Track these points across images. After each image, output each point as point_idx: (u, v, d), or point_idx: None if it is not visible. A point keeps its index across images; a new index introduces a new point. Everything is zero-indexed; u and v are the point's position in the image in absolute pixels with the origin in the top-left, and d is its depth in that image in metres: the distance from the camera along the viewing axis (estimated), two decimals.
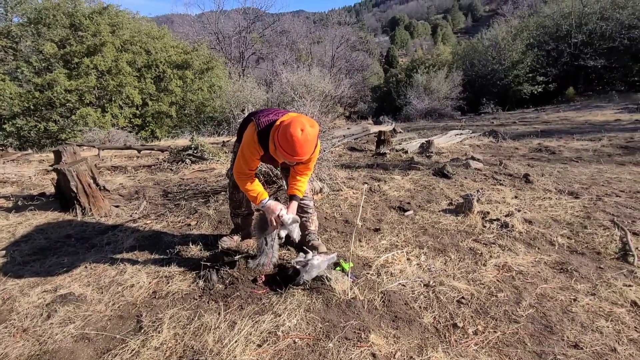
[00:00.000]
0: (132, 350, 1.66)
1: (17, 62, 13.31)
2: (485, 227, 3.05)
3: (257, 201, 2.10)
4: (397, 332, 1.81)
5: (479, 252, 2.63)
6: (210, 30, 24.51)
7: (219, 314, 1.88)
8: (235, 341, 1.69)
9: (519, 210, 3.31)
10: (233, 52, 24.75)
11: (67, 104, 13.02)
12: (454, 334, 1.81)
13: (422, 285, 2.21)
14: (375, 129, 7.61)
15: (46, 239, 2.83)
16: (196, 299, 2.04)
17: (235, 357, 1.60)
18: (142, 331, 1.78)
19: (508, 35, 22.59)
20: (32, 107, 12.90)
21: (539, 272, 2.37)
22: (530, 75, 21.18)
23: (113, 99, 13.97)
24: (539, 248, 2.69)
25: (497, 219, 3.13)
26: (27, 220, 3.14)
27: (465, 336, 1.80)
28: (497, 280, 2.27)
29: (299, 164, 2.19)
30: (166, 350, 1.66)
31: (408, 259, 2.52)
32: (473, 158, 5.12)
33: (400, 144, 6.51)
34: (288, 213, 2.11)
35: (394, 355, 1.65)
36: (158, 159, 5.71)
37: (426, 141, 5.96)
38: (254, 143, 2.01)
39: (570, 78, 21.12)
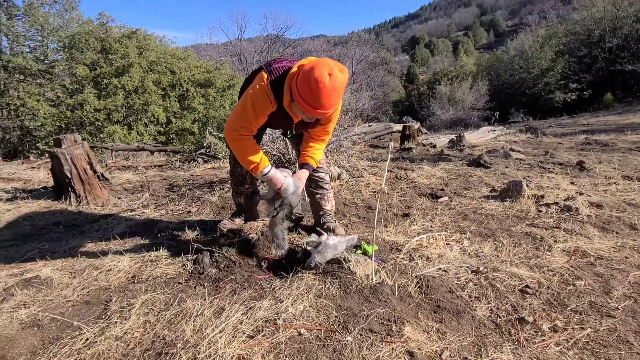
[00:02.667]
0: (86, 339, 1.26)
1: (52, 85, 14.05)
2: (540, 211, 2.50)
3: (258, 170, 1.70)
4: (442, 325, 1.32)
5: (539, 236, 2.10)
6: (233, 51, 25.26)
7: (205, 299, 1.46)
8: (220, 330, 1.25)
9: (581, 194, 2.73)
10: None
11: (95, 123, 13.47)
12: (523, 331, 1.30)
13: (470, 271, 1.71)
14: (399, 126, 7.13)
15: (32, 225, 2.54)
16: (181, 284, 1.63)
17: (217, 350, 1.16)
18: (105, 317, 1.38)
19: (535, 43, 21.79)
20: (63, 126, 13.43)
21: (625, 257, 1.81)
22: (562, 82, 20.15)
23: (139, 117, 14.34)
24: (617, 232, 2.12)
25: (555, 203, 2.57)
26: (18, 208, 2.88)
27: (540, 334, 1.29)
28: (571, 267, 1.73)
29: (317, 124, 1.79)
30: (129, 341, 1.24)
31: (447, 244, 2.03)
32: (512, 150, 4.53)
33: (427, 139, 6.00)
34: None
35: (440, 355, 1.17)
36: (170, 159, 5.51)
37: (457, 136, 5.42)
38: (267, 93, 1.59)
39: (606, 84, 19.87)
